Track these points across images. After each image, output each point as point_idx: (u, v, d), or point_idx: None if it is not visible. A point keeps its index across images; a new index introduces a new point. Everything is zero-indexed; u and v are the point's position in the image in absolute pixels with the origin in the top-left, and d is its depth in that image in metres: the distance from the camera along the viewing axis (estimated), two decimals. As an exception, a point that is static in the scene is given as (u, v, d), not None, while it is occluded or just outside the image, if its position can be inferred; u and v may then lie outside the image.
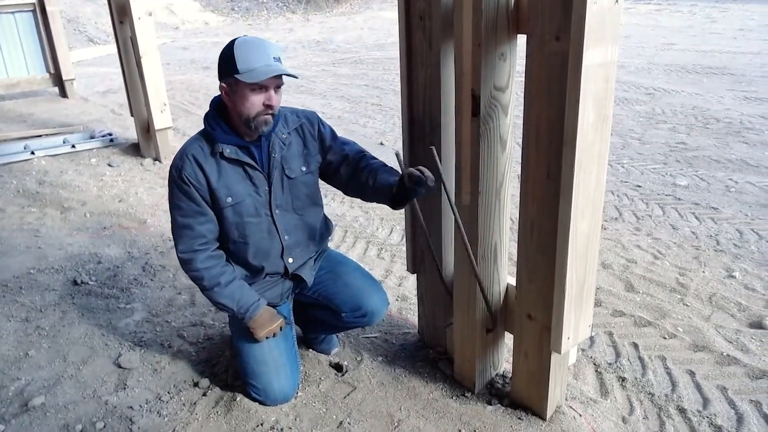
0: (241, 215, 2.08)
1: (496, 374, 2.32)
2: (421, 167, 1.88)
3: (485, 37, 1.74)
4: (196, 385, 2.40)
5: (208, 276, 2.06)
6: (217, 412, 2.22)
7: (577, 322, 1.86)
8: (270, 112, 1.96)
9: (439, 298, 2.36)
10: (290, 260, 2.22)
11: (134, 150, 5.61)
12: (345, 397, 2.26)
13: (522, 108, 1.76)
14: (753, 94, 7.09)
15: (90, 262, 3.52)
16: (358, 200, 4.47)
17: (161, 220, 4.14)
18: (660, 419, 2.12)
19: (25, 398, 2.34)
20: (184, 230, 2.05)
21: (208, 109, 2.10)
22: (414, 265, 2.43)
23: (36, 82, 7.78)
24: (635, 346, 2.56)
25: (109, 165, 5.28)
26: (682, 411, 2.15)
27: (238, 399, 2.24)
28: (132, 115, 5.48)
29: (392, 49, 11.75)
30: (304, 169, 2.18)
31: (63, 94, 7.96)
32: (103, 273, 3.40)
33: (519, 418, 2.08)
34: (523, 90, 1.73)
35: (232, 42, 1.95)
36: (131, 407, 2.29)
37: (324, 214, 2.35)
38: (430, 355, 2.48)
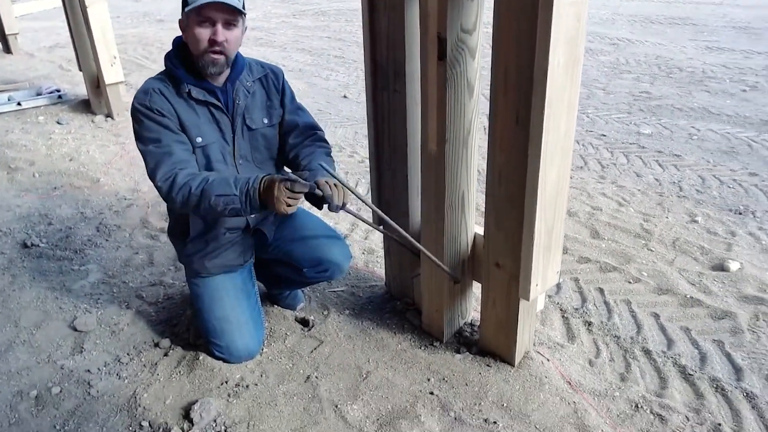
0: (210, 159, 1.97)
1: (464, 323, 2.30)
2: (335, 186, 1.80)
3: (449, -29, 1.64)
4: (156, 345, 2.32)
5: (194, 183, 1.80)
6: (180, 372, 2.15)
7: (545, 270, 1.83)
8: (217, 49, 1.83)
9: (405, 251, 2.30)
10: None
11: (84, 107, 5.33)
12: (312, 352, 2.21)
13: (490, 57, 1.68)
14: (715, 44, 7.13)
15: (40, 224, 3.36)
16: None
17: (115, 179, 3.96)
18: (626, 361, 2.14)
19: (-25, 365, 2.23)
20: (163, 157, 1.86)
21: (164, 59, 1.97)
22: (379, 217, 2.36)
23: (-25, 37, 7.32)
24: (601, 291, 2.57)
25: (58, 123, 5.01)
26: (647, 352, 2.18)
27: (200, 358, 2.18)
28: (80, 70, 5.20)
29: (355, 0, 11.41)
30: (266, 121, 2.08)
31: (6, 49, 7.52)
32: (55, 234, 3.24)
33: (488, 365, 2.08)
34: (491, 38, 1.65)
35: None
36: (89, 370, 2.20)
37: (283, 169, 2.26)
38: (397, 306, 2.45)
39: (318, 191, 1.76)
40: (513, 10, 1.55)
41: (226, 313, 2.11)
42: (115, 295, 2.69)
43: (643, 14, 8.97)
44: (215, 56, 1.85)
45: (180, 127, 1.91)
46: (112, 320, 2.50)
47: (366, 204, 1.90)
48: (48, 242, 3.16)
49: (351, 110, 5.41)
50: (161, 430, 1.91)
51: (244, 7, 1.89)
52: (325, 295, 2.57)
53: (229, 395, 2.02)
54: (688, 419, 1.84)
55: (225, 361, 2.15)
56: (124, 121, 4.89)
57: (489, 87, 1.71)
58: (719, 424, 1.82)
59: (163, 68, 1.98)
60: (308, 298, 2.55)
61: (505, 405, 1.91)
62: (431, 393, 1.98)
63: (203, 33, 1.82)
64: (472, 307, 2.33)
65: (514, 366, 2.05)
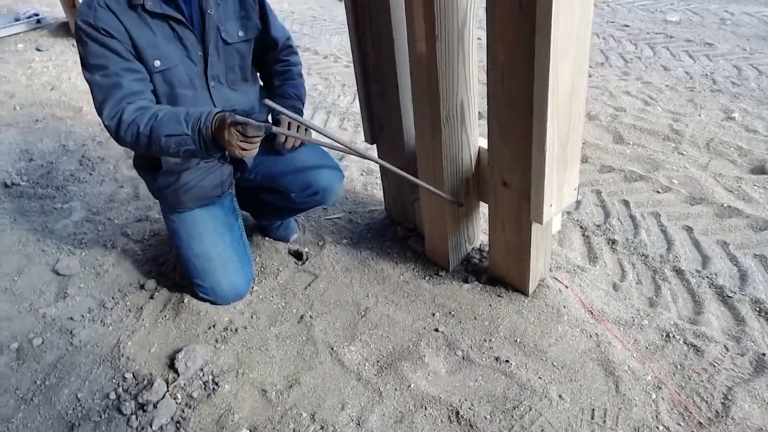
0: (173, 85, 1.70)
1: (473, 248, 2.07)
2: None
3: None
4: (142, 287, 2.15)
5: (142, 121, 1.55)
6: (165, 316, 1.98)
7: (560, 187, 1.57)
8: None
9: (402, 168, 2.04)
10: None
11: (64, 30, 4.99)
12: (306, 288, 2.02)
13: None
14: None
15: (21, 161, 3.15)
16: (316, 66, 4.02)
17: (98, 107, 3.70)
18: (655, 283, 1.91)
19: (-50, 319, 2.09)
20: (111, 90, 1.59)
21: None
22: (372, 135, 2.09)
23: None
24: (626, 203, 2.31)
25: (38, 50, 4.70)
26: (679, 272, 1.94)
27: (186, 300, 2.00)
28: (55, -11, 4.81)
29: None
30: (241, 34, 1.78)
31: (-19, -28, 7.02)
32: (36, 171, 3.04)
33: (498, 296, 1.87)
34: None
35: None
36: (72, 318, 2.05)
37: (260, 90, 1.98)
38: (399, 232, 2.22)
39: (279, 130, 1.49)
40: None
41: (206, 251, 1.91)
42: (100, 234, 2.51)
43: None
44: None
45: (133, 49, 1.62)
46: (97, 261, 2.33)
47: (334, 146, 1.60)
48: (29, 180, 2.96)
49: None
50: (145, 381, 1.76)
51: None
52: (320, 224, 2.36)
53: (216, 340, 1.85)
54: (727, 349, 1.63)
55: (212, 302, 1.98)
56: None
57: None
58: (763, 354, 1.60)
59: None
60: (302, 228, 2.34)
61: (518, 340, 1.71)
62: (436, 330, 1.78)
63: None
64: (481, 229, 2.10)
65: (528, 296, 1.84)
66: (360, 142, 2.88)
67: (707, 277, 1.90)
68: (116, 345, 1.91)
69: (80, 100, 3.81)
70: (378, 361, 1.72)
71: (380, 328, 1.82)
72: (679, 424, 1.45)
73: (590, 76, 3.38)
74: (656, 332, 1.71)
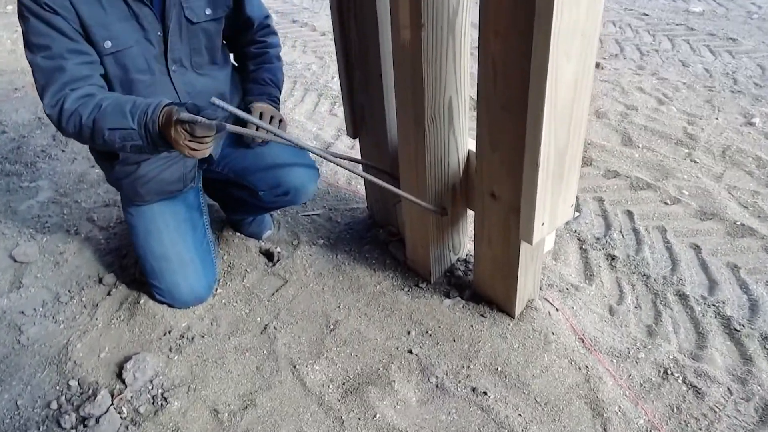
0: (126, 69, 1.51)
1: (458, 259, 1.90)
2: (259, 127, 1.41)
3: None
4: (100, 281, 1.99)
5: (85, 111, 1.37)
6: (120, 317, 1.83)
7: (554, 203, 1.38)
8: None
9: (386, 164, 1.86)
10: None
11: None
12: (273, 294, 1.85)
13: None
14: None
15: (-8, 132, 2.98)
16: (312, 44, 3.81)
17: (80, 78, 3.51)
18: (655, 308, 1.73)
19: None
20: (53, 74, 1.41)
21: None
22: (354, 128, 1.90)
23: None
24: (629, 215, 2.12)
25: (25, 12, 4.49)
26: (682, 297, 1.76)
27: (143, 301, 1.84)
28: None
29: None
30: (208, 12, 1.58)
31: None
32: (6, 145, 2.87)
33: (482, 315, 1.70)
34: None
35: None
36: (23, 312, 1.90)
37: (232, 75, 1.78)
38: (380, 236, 2.05)
39: (234, 129, 1.30)
40: None
41: (165, 251, 1.74)
42: (65, 218, 2.35)
43: None
44: None
45: (80, 27, 1.42)
46: (57, 249, 2.17)
47: (293, 144, 1.41)
48: (-2, 154, 2.80)
49: None
50: (90, 391, 1.61)
51: None
52: (297, 220, 2.18)
53: (170, 349, 1.69)
54: (731, 392, 1.46)
55: (169, 305, 1.81)
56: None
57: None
58: (772, 403, 1.43)
59: None
60: (277, 224, 2.16)
61: (499, 369, 1.54)
62: (410, 351, 1.62)
63: None
64: (468, 238, 1.92)
65: (514, 317, 1.67)
66: (343, 135, 2.68)
67: (713, 305, 1.72)
68: (65, 346, 1.75)
69: (62, 69, 3.61)
70: (343, 384, 1.55)
71: (349, 346, 1.65)
72: (672, 481, 1.29)
73: (602, 68, 3.16)
74: (653, 367, 1.54)
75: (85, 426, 1.51)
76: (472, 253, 1.90)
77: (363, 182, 2.25)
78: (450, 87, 1.47)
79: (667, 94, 2.85)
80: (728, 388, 1.47)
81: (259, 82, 1.78)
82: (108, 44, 1.46)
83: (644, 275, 1.85)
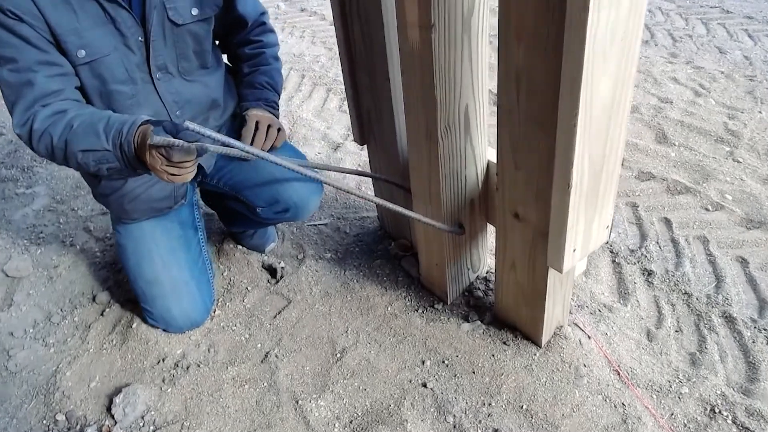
0: (104, 80, 1.35)
1: (477, 277, 1.73)
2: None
3: None
4: (94, 299, 1.87)
5: (56, 130, 1.23)
6: (112, 341, 1.70)
7: (588, 227, 1.21)
8: None
9: (397, 174, 1.69)
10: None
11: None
12: (276, 316, 1.71)
13: None
14: None
15: (-10, 135, 2.86)
16: (321, 34, 3.62)
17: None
18: (699, 333, 1.55)
19: None
20: (22, 90, 1.26)
21: None
22: (361, 134, 1.73)
23: None
24: (667, 223, 1.92)
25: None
26: (729, 320, 1.57)
27: (135, 325, 1.71)
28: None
29: None
30: (195, 12, 1.41)
31: None
32: (3, 148, 2.75)
33: (504, 343, 1.53)
34: None
35: None
36: (12, 333, 1.79)
37: (226, 78, 1.62)
38: (391, 249, 1.88)
39: (217, 149, 1.13)
40: None
41: (156, 274, 1.60)
42: (61, 227, 2.23)
43: None
44: None
45: (50, 36, 1.27)
46: (51, 262, 2.05)
47: (285, 166, 1.23)
48: (-5, 158, 2.68)
49: None
50: (78, 426, 1.49)
51: None
52: (303, 231, 2.02)
53: (164, 380, 1.56)
54: (790, 439, 1.28)
55: (164, 330, 1.68)
56: None
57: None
58: (841, 455, 1.25)
59: None
60: (281, 235, 2.01)
61: (524, 407, 1.38)
62: (424, 385, 1.46)
63: None
64: (489, 252, 1.75)
65: (540, 347, 1.50)
66: (349, 141, 2.50)
67: (765, 329, 1.53)
68: (54, 374, 1.63)
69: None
70: (351, 422, 1.41)
71: (357, 378, 1.50)
72: None
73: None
74: (698, 404, 1.37)
75: (70, 467, 1.39)
76: (492, 270, 1.73)
77: (372, 188, 2.08)
78: (466, 94, 1.29)
79: (703, 84, 2.62)
80: (787, 433, 1.29)
81: (254, 86, 1.62)
82: (82, 53, 1.30)
83: (685, 293, 1.67)
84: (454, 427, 1.37)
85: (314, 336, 1.63)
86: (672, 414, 1.35)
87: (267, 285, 1.82)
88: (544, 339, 1.49)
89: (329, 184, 1.24)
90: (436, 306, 1.67)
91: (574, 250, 1.22)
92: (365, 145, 1.78)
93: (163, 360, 1.61)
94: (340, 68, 3.14)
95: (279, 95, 1.67)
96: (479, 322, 1.59)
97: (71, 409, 1.53)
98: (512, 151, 1.21)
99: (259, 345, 1.63)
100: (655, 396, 1.40)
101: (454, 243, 1.56)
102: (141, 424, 1.46)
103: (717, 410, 1.35)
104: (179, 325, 1.64)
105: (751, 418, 1.33)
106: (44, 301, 1.90)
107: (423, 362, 1.52)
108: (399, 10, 1.20)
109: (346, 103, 2.82)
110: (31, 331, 1.79)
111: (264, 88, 1.62)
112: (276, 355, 1.58)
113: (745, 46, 2.94)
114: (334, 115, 2.72)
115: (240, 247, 1.97)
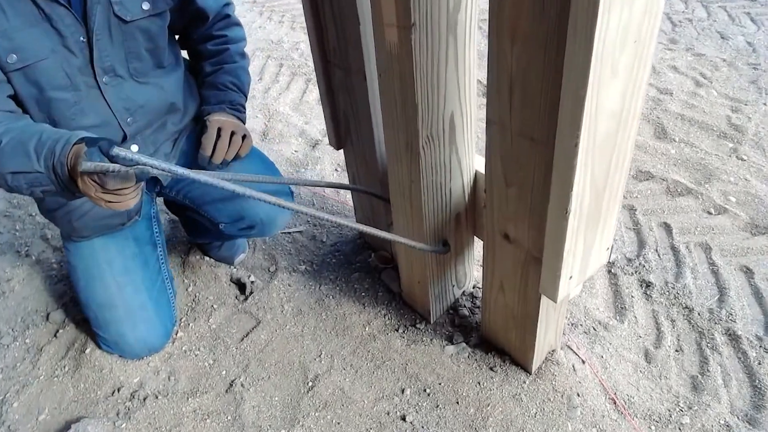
0: (41, 87, 1.18)
1: (462, 293, 1.59)
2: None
3: None
4: (47, 318, 1.71)
5: None
6: (64, 368, 1.55)
7: (586, 253, 1.07)
8: None
9: (376, 182, 1.54)
10: (135, 148, 1.37)
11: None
12: (243, 339, 1.56)
13: None
14: None
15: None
16: (301, 18, 3.43)
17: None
18: (701, 353, 1.43)
19: None
20: None
21: None
22: (337, 137, 1.57)
23: None
24: (667, 228, 1.79)
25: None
26: (733, 338, 1.45)
27: (88, 351, 1.56)
28: None
29: None
30: (146, 6, 1.24)
31: None
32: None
33: (491, 368, 1.40)
34: None
35: None
36: (-42, 357, 1.63)
37: (186, 77, 1.45)
38: (371, 261, 1.74)
39: (168, 169, 0.95)
40: None
41: (109, 297, 1.45)
42: (17, 235, 2.06)
43: None
44: None
45: None
46: (4, 275, 1.90)
47: (245, 194, 1.04)
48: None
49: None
50: (23, 468, 1.34)
51: None
52: (276, 240, 1.87)
53: (118, 414, 1.42)
54: (806, 482, 1.16)
55: (119, 356, 1.53)
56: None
57: None
58: None
59: None
60: (252, 244, 1.86)
61: (513, 445, 1.26)
62: (403, 418, 1.33)
63: None
64: (475, 265, 1.61)
65: (530, 373, 1.37)
66: (324, 143, 2.33)
67: (774, 350, 1.41)
68: (1, 404, 1.48)
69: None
70: (323, 462, 1.28)
71: (330, 410, 1.36)
72: None
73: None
74: (703, 438, 1.25)
75: None
76: (479, 284, 1.60)
77: (351, 193, 1.93)
78: (452, 100, 1.14)
79: (705, 73, 2.48)
80: (802, 474, 1.17)
81: (218, 86, 1.45)
82: (13, 58, 1.13)
83: (686, 308, 1.54)
84: (437, 467, 1.24)
85: (284, 361, 1.49)
86: (675, 450, 1.24)
87: (235, 302, 1.67)
88: (535, 365, 1.36)
89: (299, 211, 1.08)
90: (418, 325, 1.53)
91: (570, 278, 1.08)
92: (341, 150, 1.62)
93: (118, 390, 1.47)
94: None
95: (246, 96, 1.50)
96: (464, 345, 1.46)
97: (17, 446, 1.39)
98: (503, 166, 1.06)
99: (224, 372, 1.48)
100: (654, 427, 1.28)
101: (438, 260, 1.42)
102: (92, 466, 1.33)
103: (724, 445, 1.23)
104: (135, 352, 1.49)
105: (761, 454, 1.21)
106: (-6, 319, 1.74)
107: (403, 391, 1.39)
108: (374, 8, 1.04)
109: (324, 94, 2.66)
110: (-22, 354, 1.64)
111: (228, 89, 1.45)
112: (242, 384, 1.44)
113: (747, 30, 2.79)
114: (313, 108, 2.55)
115: (207, 258, 1.82)
